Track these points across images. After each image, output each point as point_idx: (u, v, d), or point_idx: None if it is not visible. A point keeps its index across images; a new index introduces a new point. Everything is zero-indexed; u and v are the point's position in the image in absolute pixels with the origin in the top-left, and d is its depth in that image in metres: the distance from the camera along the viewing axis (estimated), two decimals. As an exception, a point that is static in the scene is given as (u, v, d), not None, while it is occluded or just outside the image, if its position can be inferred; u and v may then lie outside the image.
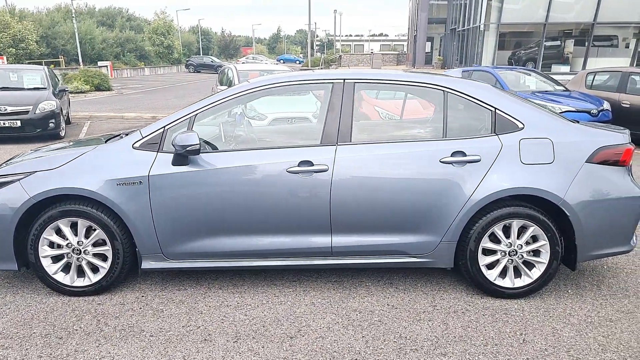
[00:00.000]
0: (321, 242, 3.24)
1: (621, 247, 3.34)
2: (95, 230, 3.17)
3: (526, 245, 3.25)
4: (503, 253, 3.26)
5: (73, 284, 3.24)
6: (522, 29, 22.74)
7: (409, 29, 35.35)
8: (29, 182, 3.13)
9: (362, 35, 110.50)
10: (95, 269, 3.27)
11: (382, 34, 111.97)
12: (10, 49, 31.09)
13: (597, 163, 3.21)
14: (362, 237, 3.25)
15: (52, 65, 31.84)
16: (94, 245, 3.22)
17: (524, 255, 3.26)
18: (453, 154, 3.16)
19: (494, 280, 3.28)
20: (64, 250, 3.21)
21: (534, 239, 3.25)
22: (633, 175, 3.54)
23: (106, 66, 29.24)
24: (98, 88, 22.23)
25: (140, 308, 3.13)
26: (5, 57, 27.08)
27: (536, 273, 3.28)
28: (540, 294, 3.36)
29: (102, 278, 3.23)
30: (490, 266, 3.30)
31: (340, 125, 3.21)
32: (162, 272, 3.62)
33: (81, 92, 20.97)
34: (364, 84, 3.37)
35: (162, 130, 3.20)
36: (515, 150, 3.18)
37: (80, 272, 3.27)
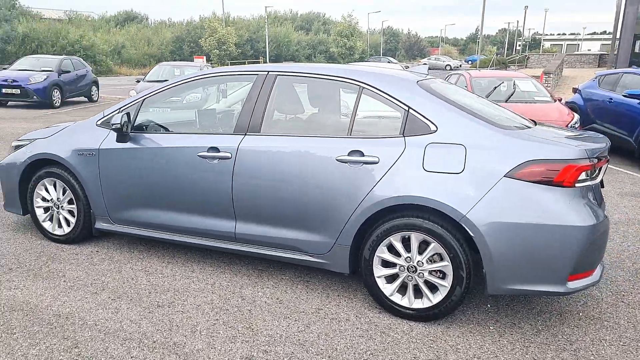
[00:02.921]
0: (226, 227, 3.37)
1: (550, 287, 2.67)
2: (67, 190, 3.88)
3: (428, 263, 2.86)
4: (402, 268, 2.93)
5: (54, 232, 4.01)
6: None
7: (614, 26, 30.31)
8: (30, 147, 3.98)
9: (577, 34, 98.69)
10: (69, 223, 3.98)
11: (604, 31, 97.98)
12: (215, 50, 36.83)
13: (522, 179, 2.64)
14: (263, 228, 3.27)
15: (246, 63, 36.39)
16: (69, 202, 3.93)
17: (425, 274, 2.87)
18: (350, 153, 2.97)
19: (391, 295, 2.97)
20: (49, 204, 4.00)
21: (441, 257, 2.84)
22: (603, 199, 2.80)
23: (290, 65, 32.24)
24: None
25: (83, 260, 3.72)
26: (204, 57, 32.09)
27: (438, 297, 2.86)
28: (446, 320, 2.92)
29: (70, 231, 3.93)
30: (390, 280, 3.00)
31: (253, 115, 3.29)
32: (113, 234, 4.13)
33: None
34: (286, 77, 3.36)
35: (117, 110, 3.72)
36: (419, 155, 2.82)
37: (60, 223, 4.02)
